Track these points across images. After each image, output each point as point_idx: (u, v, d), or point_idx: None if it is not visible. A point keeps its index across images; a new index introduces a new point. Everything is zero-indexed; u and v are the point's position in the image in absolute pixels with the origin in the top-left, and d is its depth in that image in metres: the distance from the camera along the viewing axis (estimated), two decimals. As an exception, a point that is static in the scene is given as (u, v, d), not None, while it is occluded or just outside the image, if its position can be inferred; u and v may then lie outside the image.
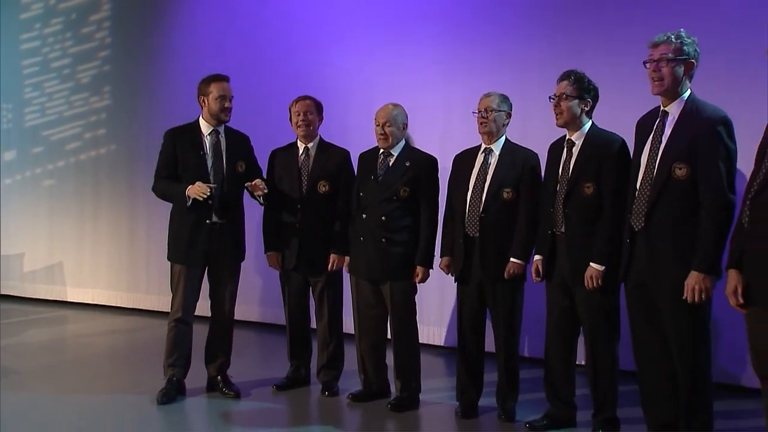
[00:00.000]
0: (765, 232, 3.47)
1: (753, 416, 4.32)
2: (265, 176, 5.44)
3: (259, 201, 5.26)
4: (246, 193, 5.36)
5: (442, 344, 6.60)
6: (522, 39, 6.22)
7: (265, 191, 5.15)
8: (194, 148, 5.17)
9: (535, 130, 5.55)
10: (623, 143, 4.42)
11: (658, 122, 4.05)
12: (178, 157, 5.19)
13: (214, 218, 5.17)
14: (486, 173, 4.79)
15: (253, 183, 5.14)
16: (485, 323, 4.95)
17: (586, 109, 4.49)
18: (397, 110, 5.07)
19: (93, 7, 8.35)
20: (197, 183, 5.02)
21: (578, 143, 4.48)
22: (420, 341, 5.25)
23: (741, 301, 3.58)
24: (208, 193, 5.01)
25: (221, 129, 5.28)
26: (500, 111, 4.79)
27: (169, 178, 5.21)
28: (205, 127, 5.24)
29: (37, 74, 8.67)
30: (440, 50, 6.58)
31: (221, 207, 5.18)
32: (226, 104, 5.20)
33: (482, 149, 4.86)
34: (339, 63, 7.01)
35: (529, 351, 5.75)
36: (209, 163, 5.18)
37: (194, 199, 5.02)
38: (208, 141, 5.22)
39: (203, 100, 5.23)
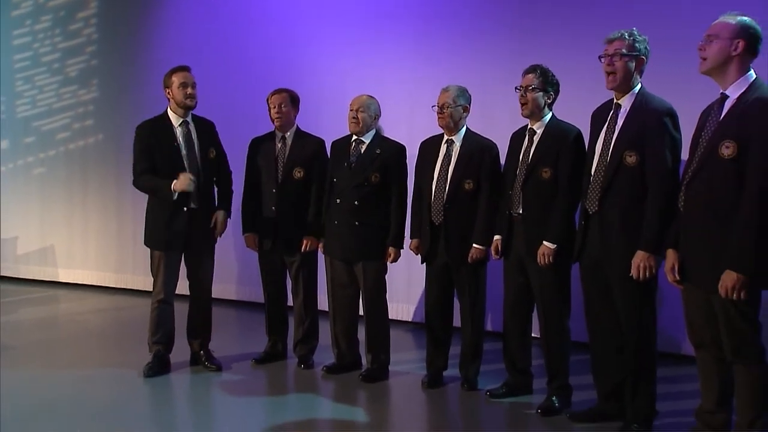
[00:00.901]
0: (696, 216, 3.58)
1: (691, 381, 4.41)
2: (245, 163, 5.47)
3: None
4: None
5: (410, 320, 6.65)
6: (484, 37, 6.24)
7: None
8: (167, 139, 5.10)
9: (497, 121, 5.58)
10: (579, 133, 4.47)
11: (612, 114, 4.10)
12: (153, 150, 5.11)
13: (192, 205, 5.14)
14: (449, 164, 4.82)
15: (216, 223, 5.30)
16: (452, 300, 5.01)
17: (549, 101, 4.54)
18: (370, 100, 5.11)
19: (80, 4, 8.26)
20: (181, 176, 4.98)
21: (539, 132, 4.52)
22: (389, 317, 5.28)
23: (677, 277, 3.69)
24: (194, 184, 5.01)
25: (189, 119, 5.22)
26: (456, 106, 4.79)
27: (148, 172, 5.11)
28: (174, 119, 5.17)
29: (28, 68, 8.57)
30: (408, 47, 6.58)
31: (198, 193, 5.16)
32: (189, 90, 5.12)
33: (445, 140, 4.88)
34: (314, 59, 6.99)
35: (489, 325, 5.80)
36: (183, 152, 5.13)
37: (179, 192, 5.00)
38: (179, 132, 5.16)
39: (168, 92, 5.16)
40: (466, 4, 6.36)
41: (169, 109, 5.22)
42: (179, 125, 5.18)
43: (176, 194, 5.00)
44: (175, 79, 5.13)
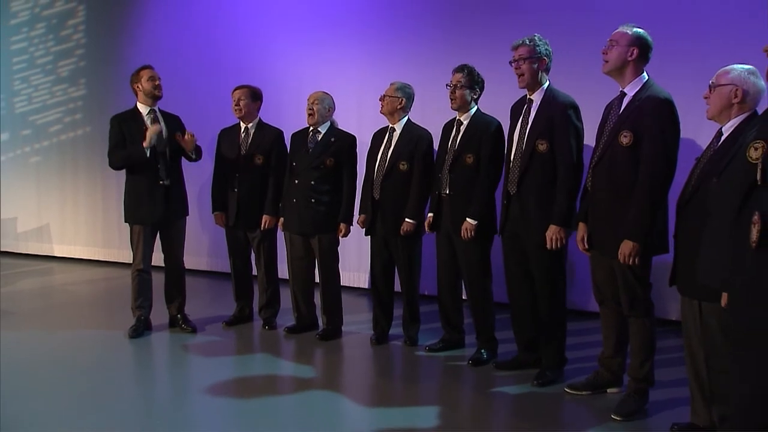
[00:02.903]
0: (601, 195, 3.66)
1: (595, 333, 4.54)
2: (213, 152, 5.40)
3: (190, 157, 5.17)
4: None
5: (360, 286, 6.64)
6: (423, 40, 6.20)
7: (194, 146, 5.09)
8: (138, 126, 5.04)
9: (432, 113, 5.54)
10: (499, 125, 4.49)
11: (526, 108, 4.13)
12: (125, 136, 5.05)
13: (166, 182, 5.06)
14: (389, 147, 4.81)
15: (184, 138, 5.08)
16: (393, 269, 4.99)
17: (475, 96, 4.54)
18: (325, 95, 5.06)
19: (70, 13, 8.07)
20: (147, 132, 4.96)
21: (465, 123, 4.53)
22: (342, 284, 5.29)
23: (586, 246, 3.77)
24: (160, 129, 4.98)
25: (157, 109, 5.16)
26: (393, 97, 4.80)
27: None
28: (143, 109, 5.11)
29: (24, 69, 8.37)
30: (357, 49, 6.52)
31: (168, 170, 5.09)
32: (156, 82, 5.09)
33: (389, 128, 4.88)
34: (276, 59, 6.91)
35: (428, 290, 5.82)
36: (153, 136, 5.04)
37: (151, 150, 4.93)
38: (149, 119, 5.08)
39: (137, 87, 5.11)
40: (408, 15, 6.32)
41: (138, 102, 5.15)
42: (147, 114, 5.11)
43: (149, 150, 4.94)
44: (144, 75, 5.10)
